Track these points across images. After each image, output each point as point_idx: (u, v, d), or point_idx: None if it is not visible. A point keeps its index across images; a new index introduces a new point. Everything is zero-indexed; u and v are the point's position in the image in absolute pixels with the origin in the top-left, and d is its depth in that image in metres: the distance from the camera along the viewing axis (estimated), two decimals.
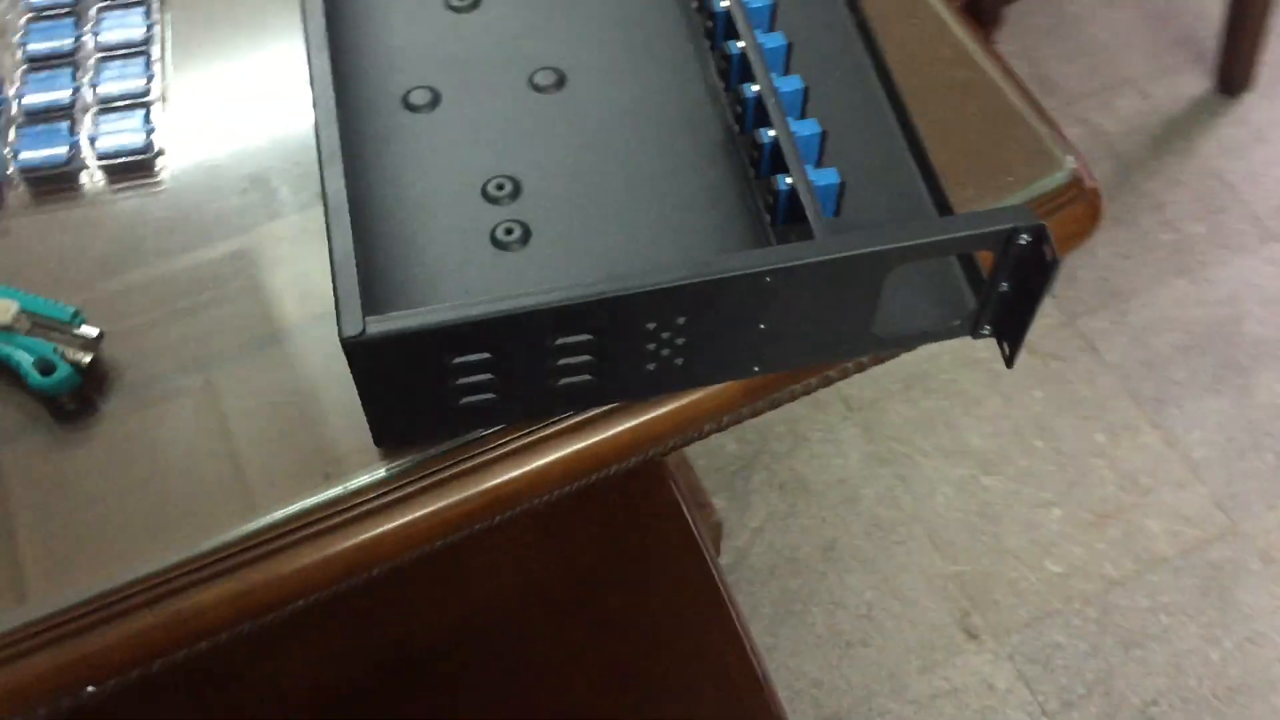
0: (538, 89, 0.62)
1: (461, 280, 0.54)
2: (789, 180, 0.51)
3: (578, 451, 0.54)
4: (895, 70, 0.59)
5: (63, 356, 0.54)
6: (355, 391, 0.49)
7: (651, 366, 0.51)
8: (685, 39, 0.63)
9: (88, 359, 0.54)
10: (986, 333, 0.53)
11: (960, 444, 1.38)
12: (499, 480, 0.53)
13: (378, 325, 0.46)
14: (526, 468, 0.53)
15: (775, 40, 0.57)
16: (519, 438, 0.53)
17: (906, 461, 1.37)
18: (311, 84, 0.54)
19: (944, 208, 0.54)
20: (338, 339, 0.46)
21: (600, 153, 0.59)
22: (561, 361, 0.50)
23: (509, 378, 0.50)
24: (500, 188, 0.58)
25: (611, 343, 0.49)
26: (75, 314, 0.55)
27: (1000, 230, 0.48)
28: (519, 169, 0.59)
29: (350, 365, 0.47)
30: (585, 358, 0.50)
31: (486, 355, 0.48)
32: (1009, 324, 0.52)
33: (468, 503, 0.53)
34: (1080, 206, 0.60)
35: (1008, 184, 0.60)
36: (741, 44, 0.56)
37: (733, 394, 0.55)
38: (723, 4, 0.58)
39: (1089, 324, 1.48)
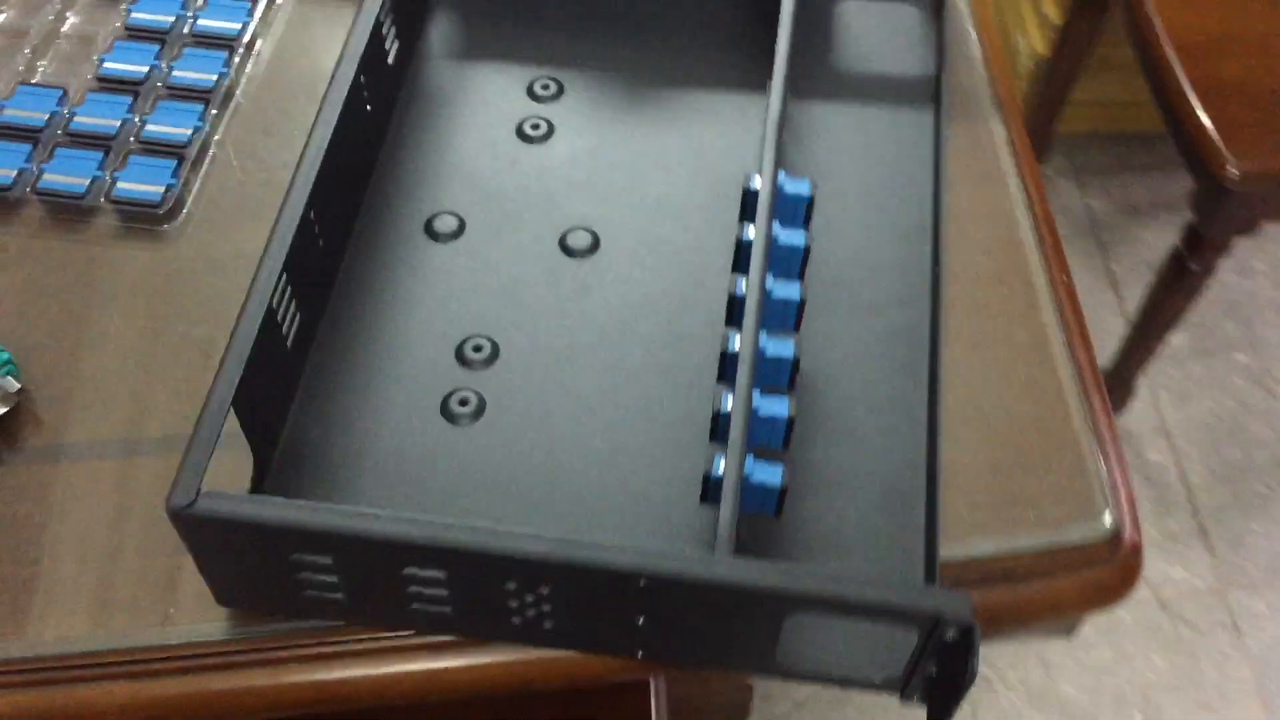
0: (565, 249, 0.57)
1: (396, 442, 0.50)
2: (722, 463, 0.44)
3: (432, 671, 0.48)
4: (958, 330, 0.51)
5: None
6: None
7: (516, 620, 0.45)
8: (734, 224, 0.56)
9: None
10: (915, 700, 0.45)
11: (1050, 688, 1.24)
12: (336, 677, 0.48)
13: (209, 504, 0.42)
14: (370, 672, 0.48)
15: (795, 238, 0.50)
16: (370, 639, 0.48)
17: (984, 686, 1.24)
18: (290, 186, 0.50)
19: (930, 560, 0.46)
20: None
21: (592, 345, 0.53)
22: (413, 589, 0.44)
23: (356, 587, 0.45)
24: (477, 349, 0.53)
25: (468, 588, 0.44)
26: (6, 362, 0.53)
27: (922, 613, 0.40)
28: (505, 333, 0.54)
29: (178, 533, 0.43)
30: (440, 591, 0.44)
31: (329, 561, 0.43)
32: (935, 704, 0.44)
33: (299, 690, 0.48)
34: (1108, 570, 0.50)
35: (1024, 520, 0.50)
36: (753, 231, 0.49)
37: (625, 662, 0.48)
38: (754, 183, 0.51)
39: (1242, 600, 1.31)
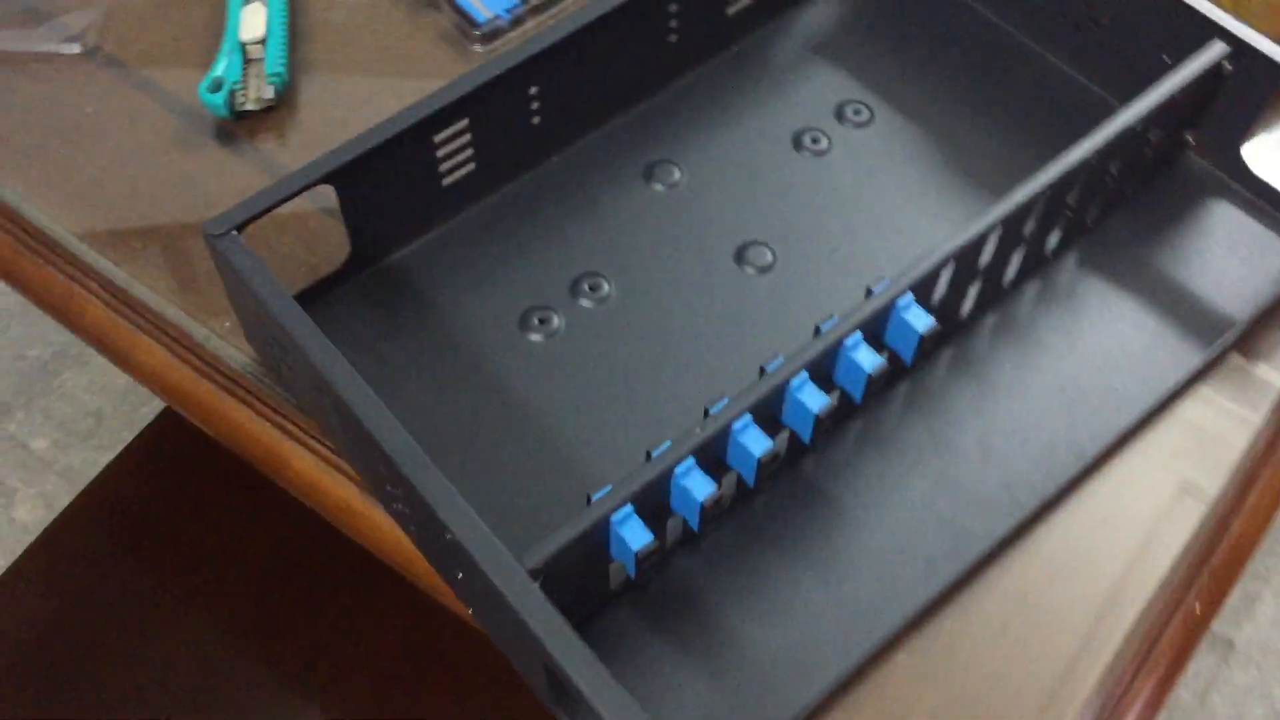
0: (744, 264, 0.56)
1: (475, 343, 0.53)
2: None
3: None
4: None
5: (243, 90, 0.61)
6: None
7: (396, 506, 0.47)
8: None
9: (253, 105, 0.61)
10: None
11: None
12: (286, 450, 0.53)
13: (228, 245, 0.47)
14: (309, 462, 0.52)
15: (871, 360, 0.46)
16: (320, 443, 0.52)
17: None
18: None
19: None
20: None
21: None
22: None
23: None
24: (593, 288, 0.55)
25: (355, 441, 0.46)
26: (279, 74, 0.61)
27: None
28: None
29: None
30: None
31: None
32: None
33: (257, 439, 0.53)
34: None
35: None
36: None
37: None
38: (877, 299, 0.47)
39: None
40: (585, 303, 0.55)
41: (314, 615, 0.81)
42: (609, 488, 0.42)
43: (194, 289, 0.56)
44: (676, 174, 0.59)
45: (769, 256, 0.56)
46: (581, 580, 0.44)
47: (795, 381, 0.45)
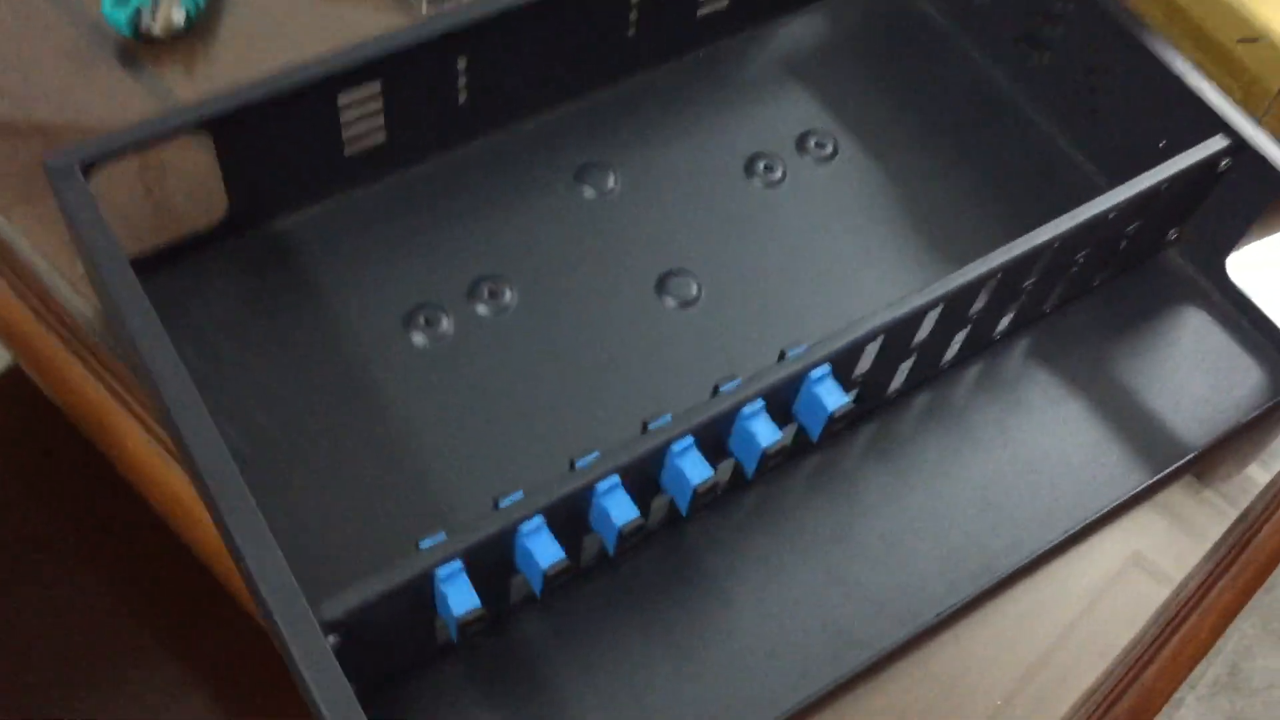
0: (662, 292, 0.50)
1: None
2: None
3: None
4: None
5: (152, 11, 0.55)
6: None
7: None
8: None
9: (160, 32, 0.55)
10: None
11: None
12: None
13: (64, 184, 0.42)
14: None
15: (769, 433, 0.41)
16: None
17: None
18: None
19: None
20: None
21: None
22: None
23: None
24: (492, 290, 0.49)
25: None
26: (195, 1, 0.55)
27: None
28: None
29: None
30: None
31: None
32: None
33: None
34: None
35: None
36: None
37: None
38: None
39: None
40: (481, 308, 0.49)
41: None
42: (441, 536, 0.37)
43: (53, 224, 0.50)
44: (611, 181, 0.53)
45: (693, 290, 0.50)
46: (399, 635, 0.38)
47: (678, 445, 0.39)
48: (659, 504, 0.42)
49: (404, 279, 0.49)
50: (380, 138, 0.50)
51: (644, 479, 0.40)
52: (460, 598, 0.36)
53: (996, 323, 0.49)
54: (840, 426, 0.43)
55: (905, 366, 0.47)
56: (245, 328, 0.47)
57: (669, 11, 0.54)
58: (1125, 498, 0.47)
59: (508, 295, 0.49)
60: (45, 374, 0.48)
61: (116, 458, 0.47)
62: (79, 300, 0.48)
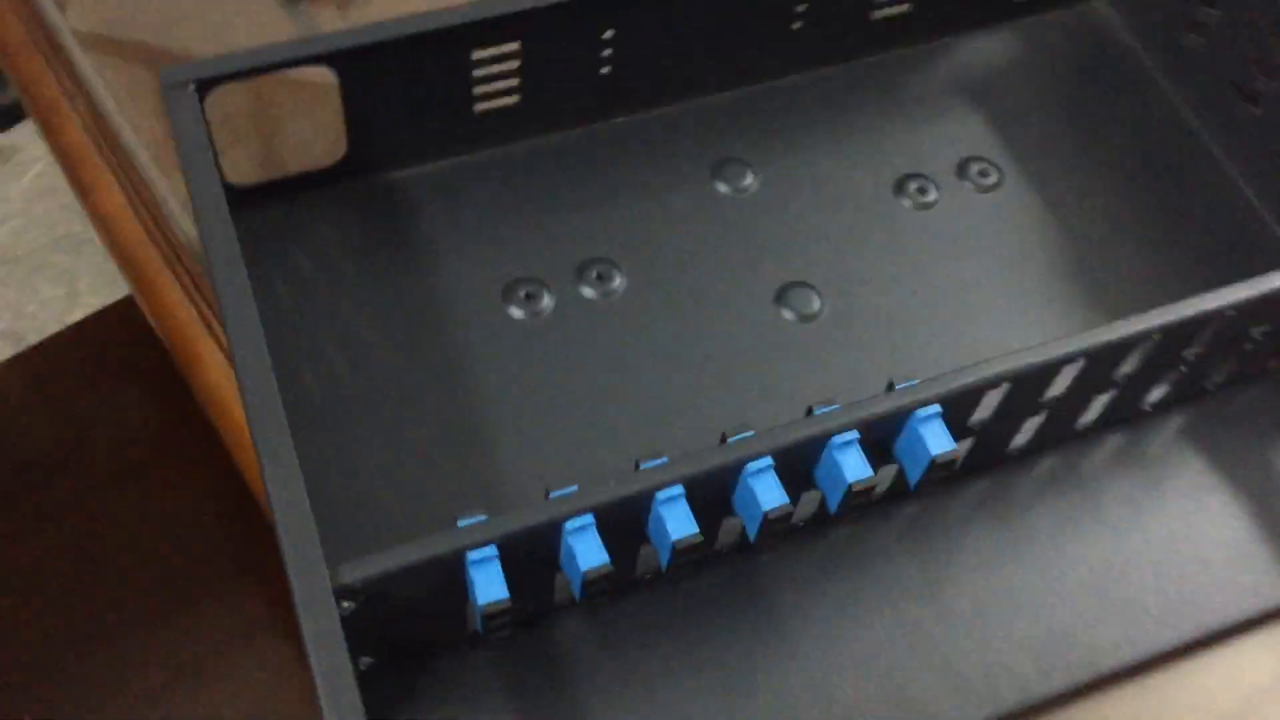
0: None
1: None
2: None
3: None
4: None
5: None
6: None
7: None
8: None
9: None
10: None
11: None
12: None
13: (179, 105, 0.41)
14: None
15: (858, 469, 0.37)
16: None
17: None
18: None
19: None
20: None
21: None
22: None
23: None
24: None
25: None
26: None
27: None
28: None
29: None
30: None
31: None
32: None
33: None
34: None
35: None
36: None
37: None
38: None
39: None
40: (587, 290, 0.46)
41: None
42: (481, 518, 0.34)
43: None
44: (748, 179, 0.50)
45: (815, 305, 0.47)
46: (424, 613, 0.36)
47: (754, 465, 0.35)
48: (728, 526, 0.39)
49: (513, 248, 0.47)
50: (513, 100, 0.48)
51: (712, 495, 0.36)
52: (488, 586, 0.33)
53: (1147, 391, 0.44)
54: (944, 474, 0.39)
55: (1033, 423, 0.42)
56: (342, 271, 0.46)
57: (840, 11, 0.51)
58: (1263, 613, 0.41)
59: (616, 280, 0.47)
60: (146, 294, 0.48)
61: (196, 385, 0.46)
62: (186, 221, 0.47)
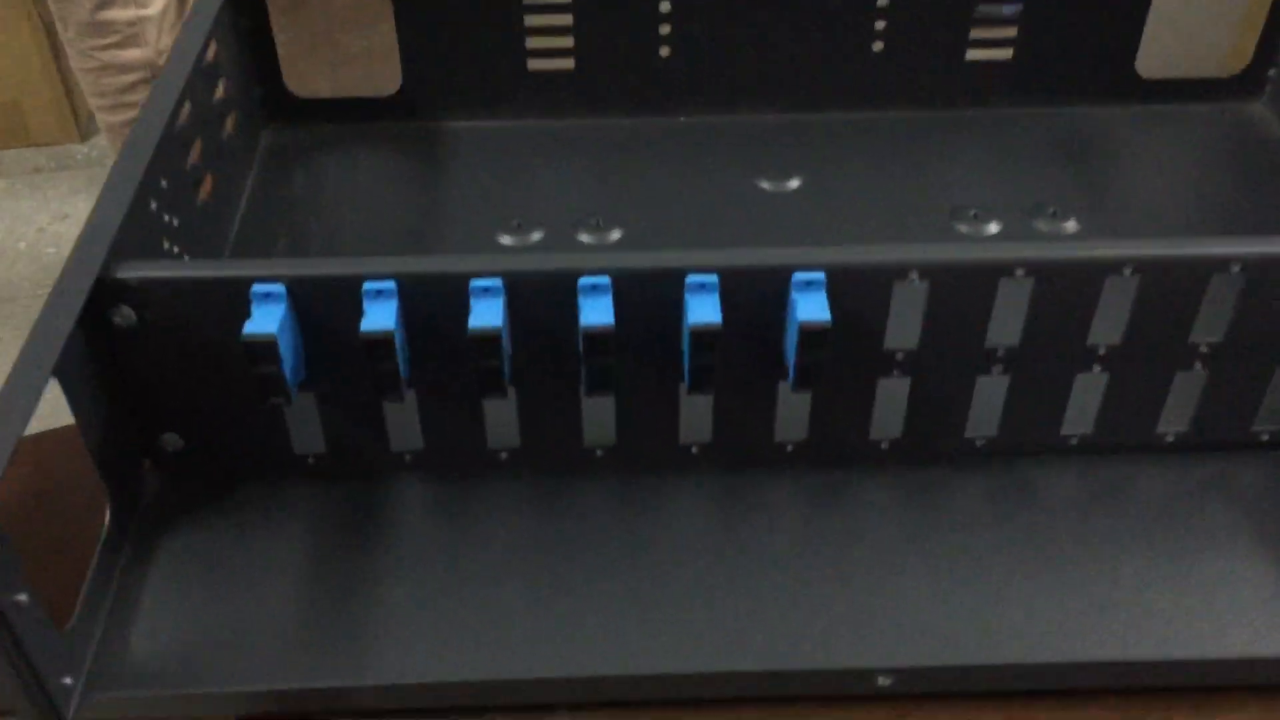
0: None
1: None
2: None
3: None
4: None
5: None
6: None
7: None
8: None
9: None
10: None
11: None
12: None
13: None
14: None
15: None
16: None
17: None
18: None
19: None
20: None
21: None
22: None
23: None
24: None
25: None
26: None
27: None
28: None
29: None
30: None
31: None
32: None
33: None
34: None
35: None
36: None
37: None
38: None
39: None
40: (582, 234, 0.45)
41: None
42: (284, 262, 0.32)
43: None
44: (794, 183, 0.47)
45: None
46: (227, 388, 0.33)
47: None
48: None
49: (521, 200, 0.46)
50: (567, 63, 0.48)
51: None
52: (264, 322, 0.31)
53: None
54: (821, 359, 0.32)
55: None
56: (354, 184, 0.47)
57: (926, 37, 0.48)
58: None
59: (614, 233, 0.45)
60: None
61: None
62: None
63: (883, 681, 0.31)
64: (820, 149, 0.48)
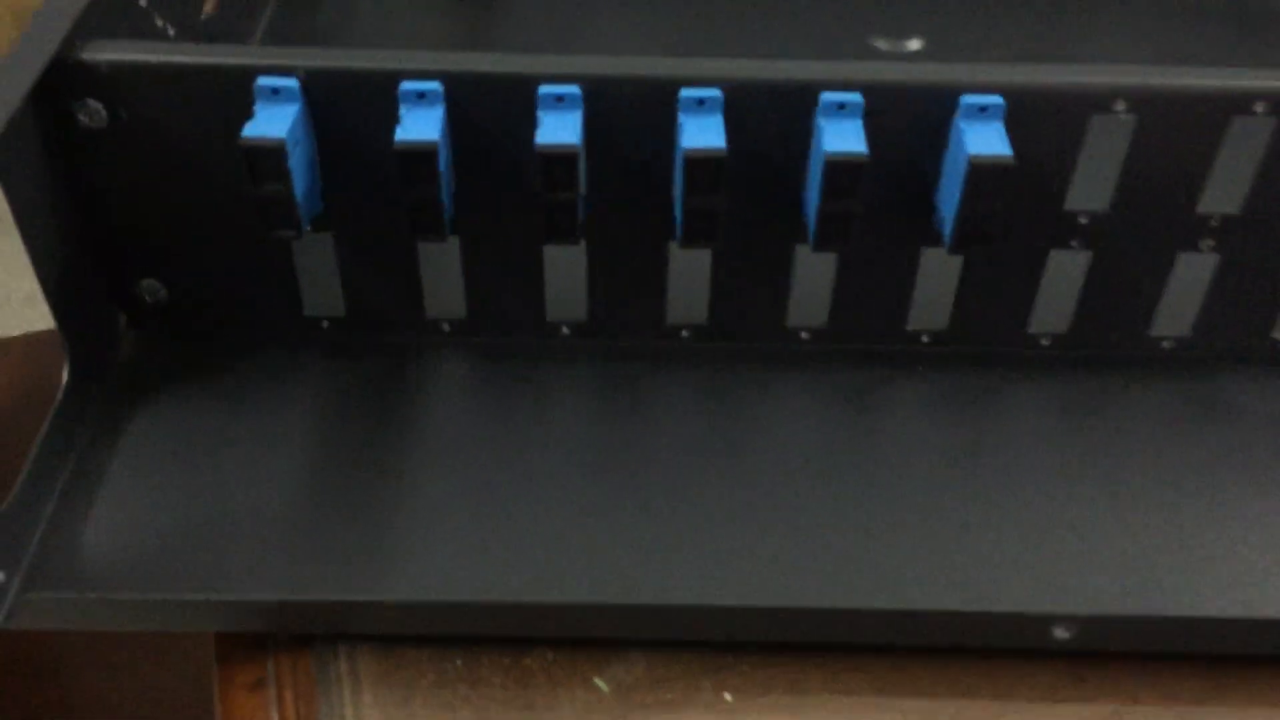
0: None
1: None
2: None
3: None
4: None
5: None
6: None
7: None
8: None
9: None
10: None
11: None
12: None
13: None
14: None
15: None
16: None
17: None
18: None
19: None
20: None
21: None
22: None
23: None
24: None
25: None
26: None
27: None
28: None
29: None
30: None
31: None
32: None
33: None
34: None
35: None
36: None
37: None
38: None
39: None
40: None
41: None
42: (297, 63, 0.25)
43: None
44: (914, 44, 0.39)
45: None
46: (220, 224, 0.26)
47: (691, 94, 0.24)
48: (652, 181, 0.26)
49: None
50: None
51: (637, 120, 0.25)
52: (271, 125, 0.24)
53: None
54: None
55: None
56: None
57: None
58: None
59: None
60: None
61: None
62: None
63: (1060, 634, 0.23)
64: (946, 3, 0.41)
